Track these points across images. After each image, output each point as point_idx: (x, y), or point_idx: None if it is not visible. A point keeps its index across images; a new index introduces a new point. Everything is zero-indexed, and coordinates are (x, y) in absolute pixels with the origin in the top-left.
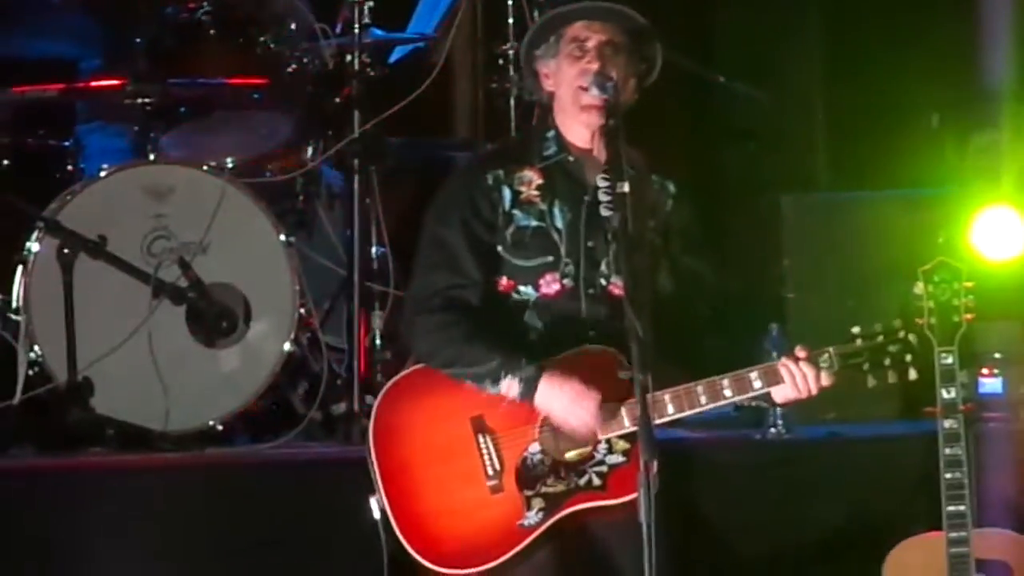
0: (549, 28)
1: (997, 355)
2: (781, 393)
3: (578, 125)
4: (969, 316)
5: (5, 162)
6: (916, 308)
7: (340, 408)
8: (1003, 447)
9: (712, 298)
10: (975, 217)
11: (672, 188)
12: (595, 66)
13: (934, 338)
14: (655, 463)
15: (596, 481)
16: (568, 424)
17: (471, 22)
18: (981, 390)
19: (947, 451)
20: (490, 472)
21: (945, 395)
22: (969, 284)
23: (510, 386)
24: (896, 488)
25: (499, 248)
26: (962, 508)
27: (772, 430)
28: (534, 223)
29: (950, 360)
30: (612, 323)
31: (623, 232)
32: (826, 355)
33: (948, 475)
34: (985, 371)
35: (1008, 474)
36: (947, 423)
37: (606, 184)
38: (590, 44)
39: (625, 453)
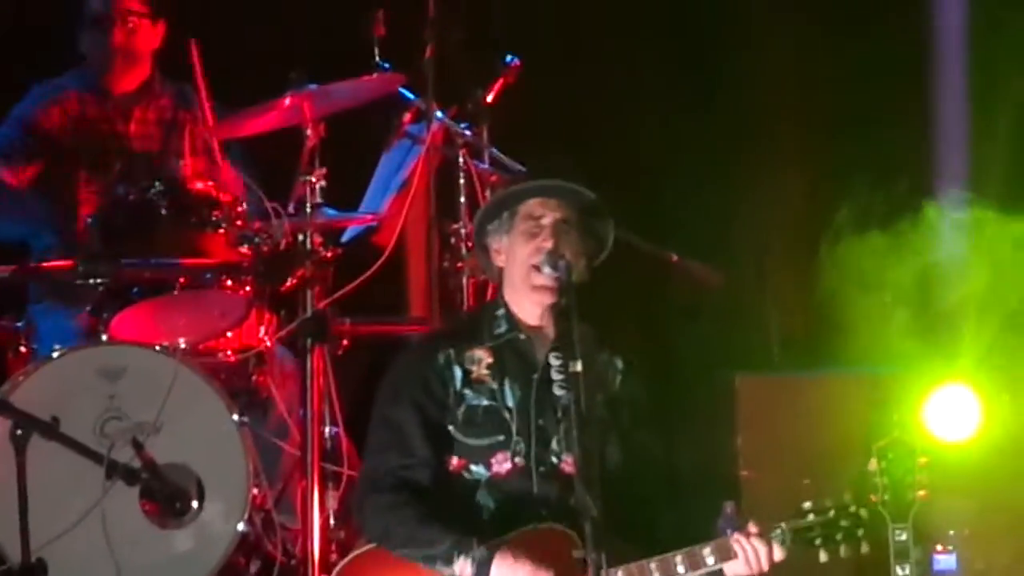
0: (503, 204)
1: (951, 532)
2: (733, 569)
3: (529, 303)
4: (923, 493)
5: None
6: (871, 484)
7: None
8: None
9: (663, 472)
10: (928, 396)
11: (620, 364)
12: (549, 244)
13: (888, 514)
14: None
15: None
16: None
17: (424, 201)
18: (935, 567)
19: None
20: None
21: (899, 572)
22: (923, 461)
23: (463, 567)
24: None
25: (450, 427)
26: None
27: None
28: (485, 402)
29: (904, 536)
30: (564, 501)
31: (576, 411)
32: (778, 530)
33: None
34: (939, 547)
35: None
36: None
37: (559, 363)
38: (545, 221)
39: None
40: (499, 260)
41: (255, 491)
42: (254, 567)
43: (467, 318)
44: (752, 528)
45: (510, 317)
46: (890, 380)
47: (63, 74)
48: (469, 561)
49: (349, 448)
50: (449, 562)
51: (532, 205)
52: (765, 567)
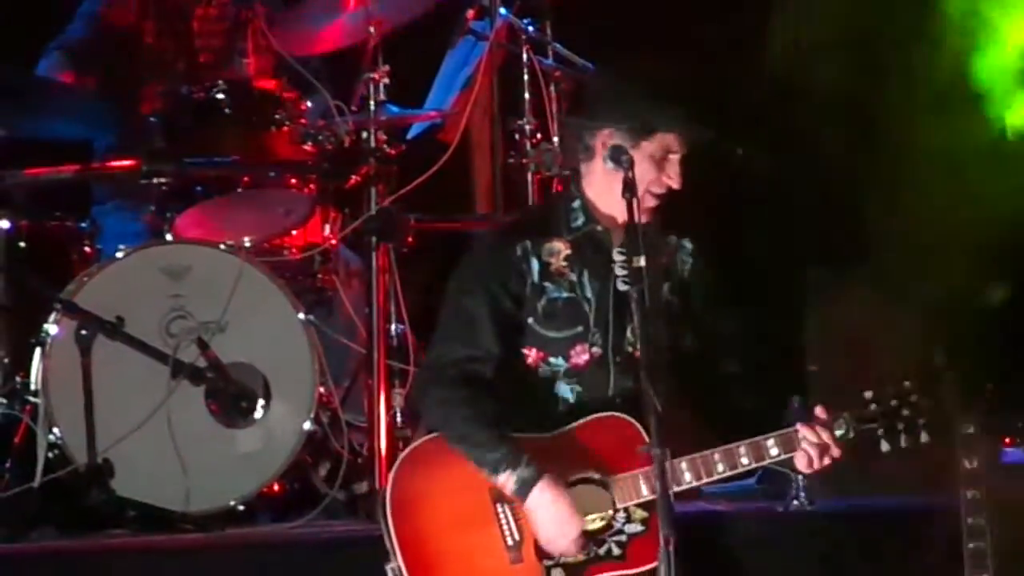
0: (643, 119)
1: (1020, 424)
2: (802, 461)
3: (617, 205)
4: (991, 385)
5: (22, 244)
6: (938, 376)
7: (362, 487)
8: None
9: (736, 352)
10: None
11: (689, 246)
12: (676, 185)
13: (955, 407)
14: (674, 537)
15: (616, 551)
16: (546, 538)
17: (488, 98)
18: (1005, 459)
19: (970, 521)
20: (509, 542)
21: (967, 464)
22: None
23: (507, 481)
24: (920, 559)
25: (530, 320)
26: None
27: (795, 502)
28: (565, 294)
29: (972, 429)
30: (638, 391)
31: (640, 305)
32: (840, 420)
33: (971, 545)
34: (1007, 440)
35: None
36: (969, 493)
37: (623, 259)
38: (674, 157)
39: (644, 522)
40: (601, 154)
41: (321, 389)
42: (321, 465)
43: (542, 210)
44: (819, 413)
45: (587, 209)
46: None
47: None
48: (514, 477)
49: (415, 346)
50: (495, 471)
51: (673, 138)
52: (829, 459)
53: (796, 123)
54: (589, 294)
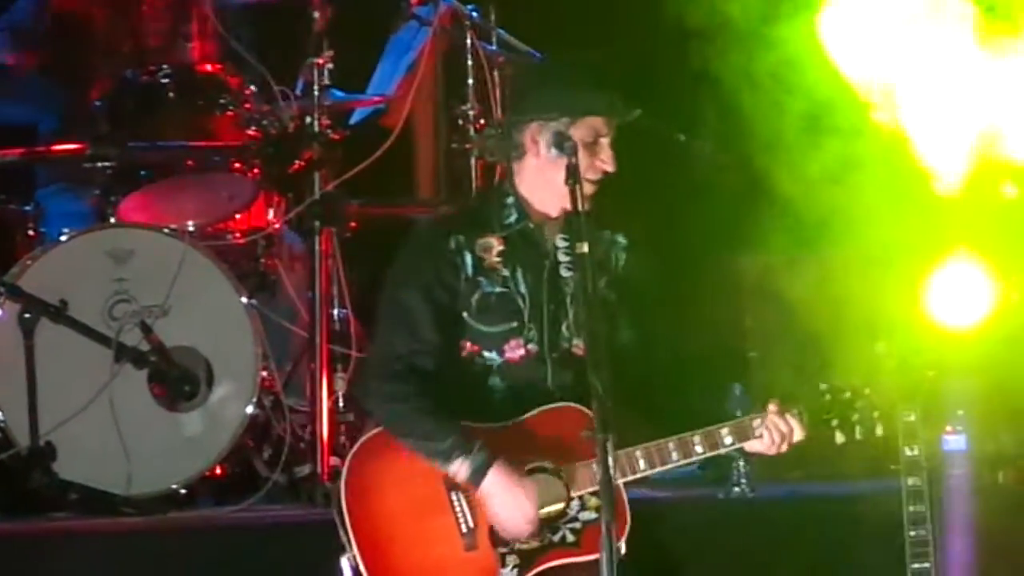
0: (567, 107)
1: (960, 412)
2: (752, 447)
3: (551, 199)
4: (931, 373)
5: None
6: (878, 365)
7: (304, 471)
8: (966, 504)
9: (671, 350)
10: (932, 276)
11: (623, 240)
12: (611, 168)
13: (897, 396)
14: (616, 524)
15: (570, 537)
16: (501, 524)
17: (431, 83)
18: (945, 447)
19: (911, 508)
20: (464, 529)
21: (908, 453)
22: (930, 341)
23: (460, 468)
24: (861, 546)
25: (464, 314)
26: (926, 566)
27: (736, 489)
28: (498, 289)
29: (913, 418)
30: (577, 385)
31: (583, 292)
32: (797, 410)
33: (912, 533)
34: (949, 428)
35: (971, 531)
36: (911, 481)
37: (565, 245)
38: (604, 140)
39: (598, 509)
40: (532, 150)
41: (264, 373)
42: (263, 449)
43: (475, 204)
44: (772, 407)
45: (520, 205)
46: (896, 258)
47: None
48: (467, 464)
49: (358, 330)
50: (448, 460)
51: (600, 122)
52: (785, 448)
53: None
54: (523, 289)
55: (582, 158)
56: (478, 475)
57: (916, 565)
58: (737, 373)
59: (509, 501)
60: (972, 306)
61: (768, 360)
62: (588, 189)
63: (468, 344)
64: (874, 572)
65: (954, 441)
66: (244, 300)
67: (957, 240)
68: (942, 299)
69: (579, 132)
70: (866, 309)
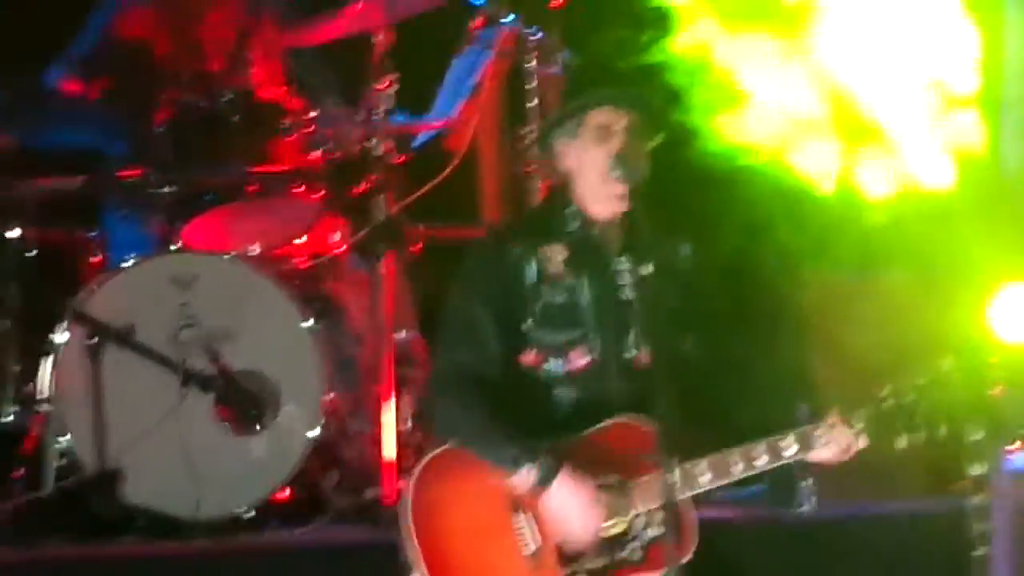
0: (574, 111)
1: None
2: (816, 456)
3: (599, 203)
4: (997, 390)
5: (32, 253)
6: (944, 383)
7: (369, 493)
8: None
9: (738, 360)
10: (997, 293)
11: (687, 250)
12: (620, 148)
13: (961, 412)
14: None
15: (637, 555)
16: (567, 529)
17: (494, 105)
18: (1009, 465)
19: (976, 527)
20: (530, 549)
21: (974, 471)
22: (995, 358)
23: (526, 477)
24: (927, 564)
25: (527, 323)
26: None
27: (802, 507)
28: (561, 298)
29: (978, 436)
30: (639, 395)
31: (647, 312)
32: (859, 417)
33: (978, 551)
34: (1013, 446)
35: None
36: (976, 499)
37: (628, 266)
38: (616, 128)
39: (664, 525)
40: (568, 163)
41: (329, 397)
42: (329, 473)
43: (537, 214)
44: (835, 415)
45: (580, 213)
46: (960, 279)
47: None
48: (534, 470)
49: (423, 352)
50: (515, 465)
51: (603, 113)
52: (848, 455)
53: None
54: (587, 298)
55: (598, 154)
56: (546, 481)
57: None
58: (802, 391)
59: (576, 508)
60: None
61: (833, 378)
62: (614, 185)
63: (532, 353)
64: None
65: (1019, 459)
66: (308, 324)
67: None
68: (1007, 316)
69: (589, 130)
70: (931, 327)
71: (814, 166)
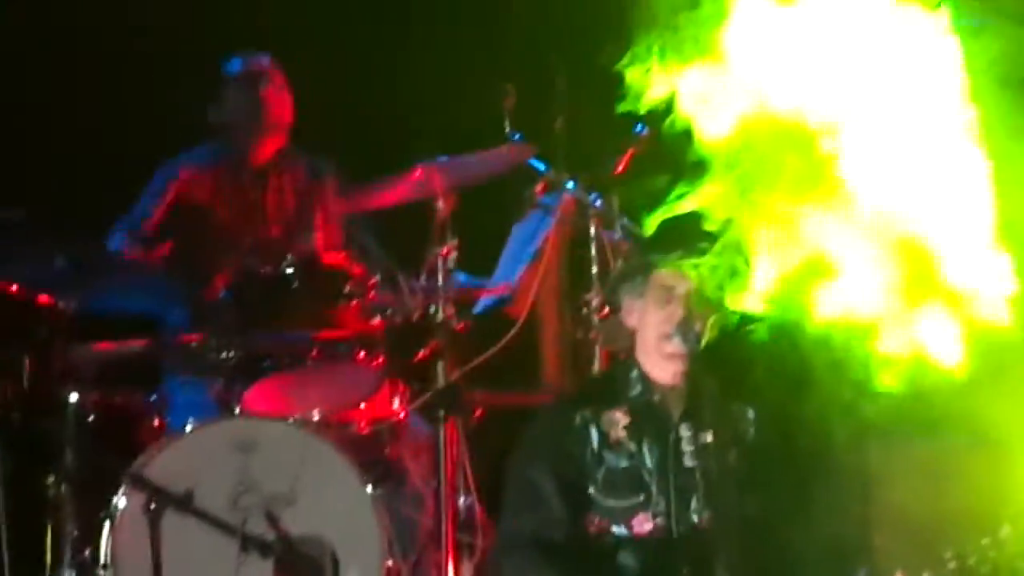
0: (638, 269)
1: None
2: None
3: (660, 366)
4: None
5: (92, 417)
6: (1004, 550)
7: None
8: None
9: (801, 520)
10: None
11: (752, 414)
12: (681, 314)
13: None
14: None
15: None
16: None
17: (555, 271)
18: None
19: None
20: None
21: None
22: None
23: None
24: None
25: (590, 489)
26: None
27: None
28: (624, 463)
29: None
30: (705, 560)
31: (708, 480)
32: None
33: None
34: None
35: None
36: None
37: (689, 434)
38: (678, 291)
39: None
40: (631, 320)
41: (390, 563)
42: None
43: (601, 379)
44: None
45: (644, 378)
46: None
47: (191, 149)
48: None
49: (484, 519)
50: None
51: (665, 274)
52: None
53: None
54: (649, 463)
55: (656, 314)
56: None
57: None
58: (862, 554)
59: None
60: None
61: (893, 546)
62: (673, 349)
63: (596, 519)
64: None
65: None
66: (369, 489)
67: None
68: None
69: (652, 291)
70: (991, 494)
71: (889, 333)
